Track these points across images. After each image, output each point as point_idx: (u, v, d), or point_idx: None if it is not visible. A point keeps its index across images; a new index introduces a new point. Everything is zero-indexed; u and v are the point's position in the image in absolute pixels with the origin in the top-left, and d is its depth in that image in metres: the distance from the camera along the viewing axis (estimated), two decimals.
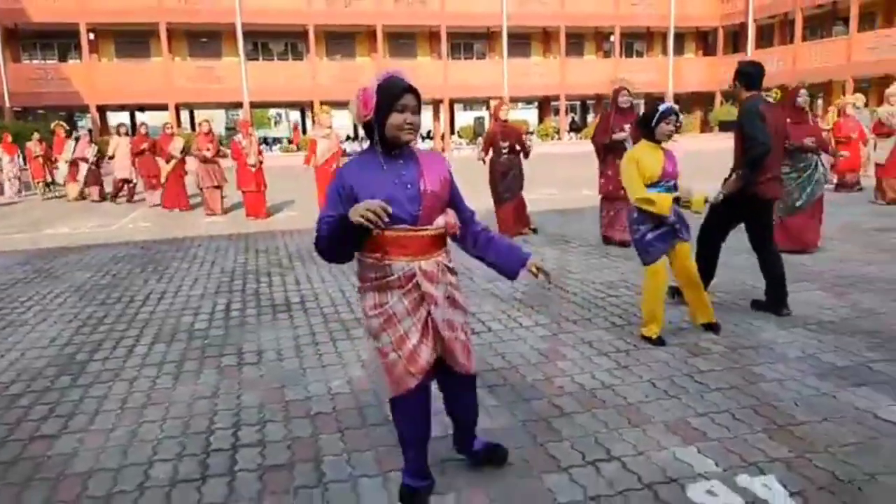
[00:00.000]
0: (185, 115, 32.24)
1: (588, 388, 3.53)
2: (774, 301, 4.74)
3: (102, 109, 28.82)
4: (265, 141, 31.32)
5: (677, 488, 2.54)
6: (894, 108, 9.37)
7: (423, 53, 31.83)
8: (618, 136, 6.90)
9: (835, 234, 7.20)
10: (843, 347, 3.97)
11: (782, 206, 6.60)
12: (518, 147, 7.97)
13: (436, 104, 31.42)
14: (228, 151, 10.98)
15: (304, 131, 37.81)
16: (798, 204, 6.51)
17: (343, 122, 36.39)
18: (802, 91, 6.57)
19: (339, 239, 2.18)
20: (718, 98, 32.66)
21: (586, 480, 2.61)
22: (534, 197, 12.01)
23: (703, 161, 13.42)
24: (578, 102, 38.37)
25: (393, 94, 2.17)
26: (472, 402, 2.61)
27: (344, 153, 10.66)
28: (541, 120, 34.86)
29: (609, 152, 7.18)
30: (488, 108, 33.87)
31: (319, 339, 4.49)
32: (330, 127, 9.73)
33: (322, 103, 28.78)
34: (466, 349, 2.44)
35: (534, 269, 2.51)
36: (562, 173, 17.38)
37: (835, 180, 11.05)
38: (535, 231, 8.38)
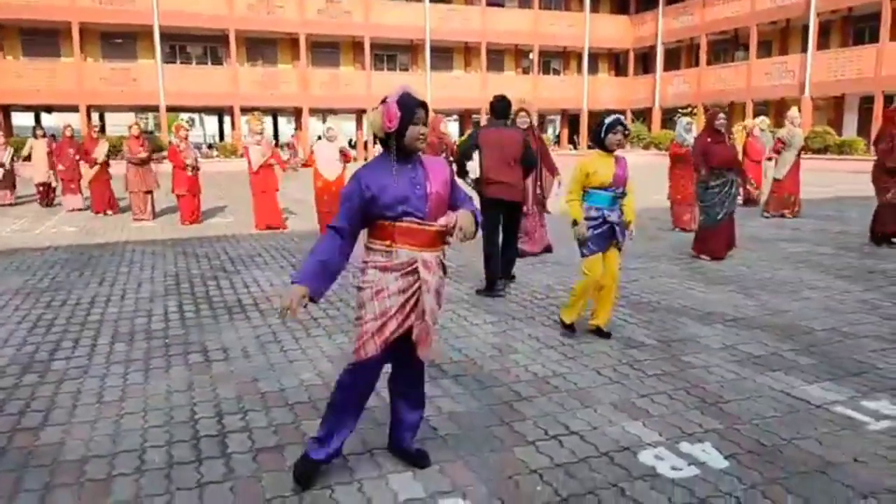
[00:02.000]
0: (95, 118, 30.77)
1: (541, 376, 3.89)
2: (490, 286, 5.87)
3: (6, 109, 27.13)
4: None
5: (630, 454, 2.92)
6: (793, 130, 10.41)
7: (346, 63, 31.89)
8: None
9: (742, 244, 7.96)
10: (757, 340, 4.53)
11: (705, 219, 7.28)
12: (452, 158, 8.33)
13: (359, 113, 31.54)
14: (164, 154, 10.78)
15: (222, 137, 36.95)
16: (719, 217, 7.18)
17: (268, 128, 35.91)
18: (721, 115, 7.25)
19: (309, 261, 2.52)
20: (630, 116, 34.51)
21: (552, 451, 2.95)
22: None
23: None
24: None
25: (412, 108, 2.48)
26: (420, 396, 2.84)
27: (286, 161, 10.72)
28: (462, 132, 35.62)
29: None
30: (428, 111, 34.25)
31: (281, 337, 4.64)
32: (261, 133, 9.74)
33: (242, 109, 28.38)
34: (432, 339, 2.68)
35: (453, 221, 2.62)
36: None
37: (740, 199, 12.07)
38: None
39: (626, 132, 4.41)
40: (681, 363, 4.09)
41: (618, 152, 4.46)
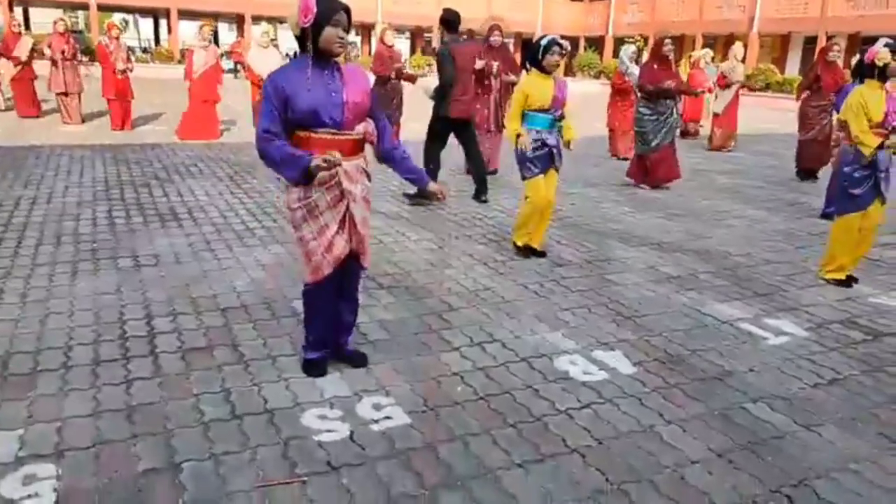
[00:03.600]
0: (18, 12, 28.41)
1: (471, 289, 4.03)
2: (478, 192, 6.33)
3: None
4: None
5: (547, 360, 3.11)
6: (735, 64, 10.58)
7: None
8: (478, 64, 6.96)
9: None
10: (677, 262, 4.77)
11: (641, 145, 7.41)
12: (399, 74, 8.15)
13: None
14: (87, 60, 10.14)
15: (158, 41, 34.83)
16: (653, 144, 7.30)
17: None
18: (668, 41, 7.28)
19: (286, 165, 2.47)
20: (583, 43, 34.19)
21: (475, 356, 3.11)
22: (414, 125, 12.32)
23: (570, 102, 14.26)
24: None
25: (331, 8, 2.40)
26: (356, 302, 2.94)
27: (226, 71, 10.25)
28: (413, 50, 34.64)
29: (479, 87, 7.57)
30: (358, 33, 33.05)
31: (215, 246, 4.61)
32: (208, 41, 9.32)
33: (181, 13, 26.73)
34: (369, 245, 2.77)
35: (434, 189, 2.87)
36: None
37: (678, 129, 12.32)
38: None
39: (564, 52, 4.41)
40: (604, 281, 4.29)
41: (566, 78, 4.47)
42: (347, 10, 2.47)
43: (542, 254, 4.73)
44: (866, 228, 4.27)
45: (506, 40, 7.80)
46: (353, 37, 36.87)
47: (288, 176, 2.52)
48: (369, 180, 2.74)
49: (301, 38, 2.48)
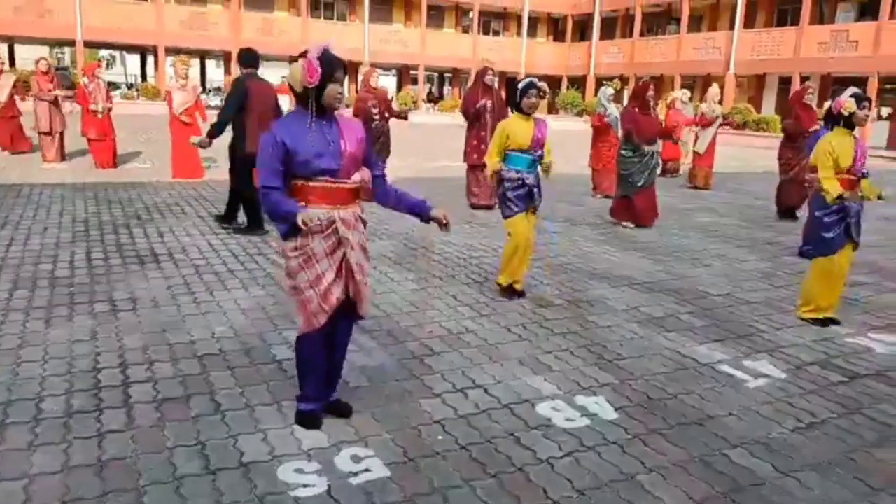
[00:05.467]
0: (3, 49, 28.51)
1: (454, 332, 4.01)
2: (252, 225, 6.30)
3: None
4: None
5: (529, 406, 3.09)
6: (714, 106, 10.84)
7: (280, 7, 30.59)
8: (481, 103, 7.61)
9: (660, 213, 8.28)
10: (658, 302, 4.80)
11: (625, 186, 7.50)
12: (388, 114, 8.26)
13: (293, 61, 30.46)
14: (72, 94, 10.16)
15: (145, 78, 35.00)
16: (639, 184, 7.41)
17: (192, 71, 34.22)
18: (650, 90, 7.46)
19: (280, 221, 2.55)
20: (565, 82, 34.86)
21: (456, 403, 3.08)
22: (398, 164, 12.40)
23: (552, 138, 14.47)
24: (436, 74, 39.06)
25: (333, 66, 2.47)
26: (345, 353, 2.90)
27: (208, 106, 10.30)
28: (399, 88, 35.10)
29: (474, 126, 7.83)
30: (347, 71, 33.47)
31: (195, 289, 4.57)
32: (186, 78, 9.35)
33: (168, 50, 26.95)
34: (368, 293, 2.76)
35: (439, 215, 2.86)
36: (421, 143, 17.83)
37: (659, 169, 12.51)
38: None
39: (542, 94, 4.49)
40: (586, 322, 4.30)
41: (545, 117, 4.56)
42: (345, 66, 2.55)
43: (521, 293, 4.74)
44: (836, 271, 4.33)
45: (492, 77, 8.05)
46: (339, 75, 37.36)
47: (281, 231, 2.58)
48: (365, 227, 2.75)
49: (302, 94, 2.52)
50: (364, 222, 2.73)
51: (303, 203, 2.53)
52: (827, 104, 5.12)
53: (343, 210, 2.57)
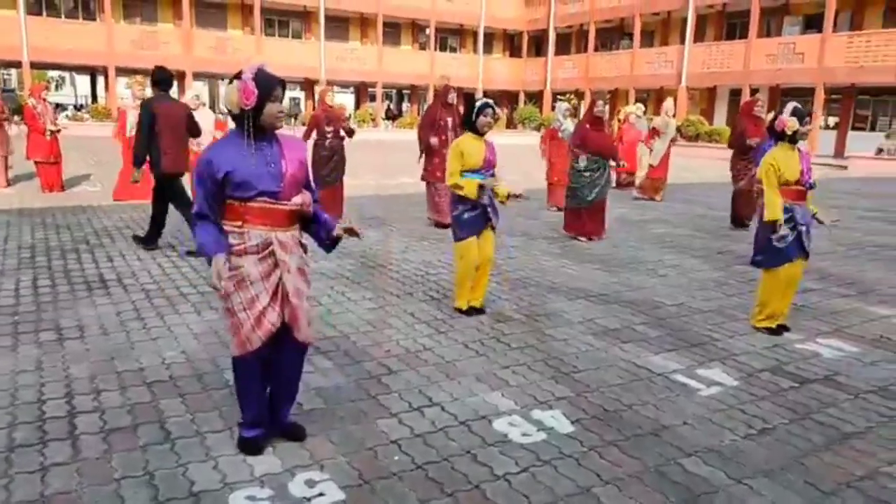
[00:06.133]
0: None
1: (412, 350, 3.99)
2: (150, 237, 6.37)
3: None
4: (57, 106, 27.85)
5: (486, 423, 3.08)
6: (668, 120, 11.13)
7: (233, 25, 30.34)
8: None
9: (612, 225, 8.44)
10: (613, 314, 4.86)
11: (576, 200, 7.61)
12: (342, 133, 8.24)
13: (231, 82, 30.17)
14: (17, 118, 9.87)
15: (95, 98, 34.25)
16: (589, 199, 7.53)
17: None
18: (600, 102, 7.61)
19: (202, 250, 2.54)
20: (522, 98, 35.34)
21: (413, 422, 3.06)
22: (356, 182, 12.37)
23: (508, 154, 14.67)
24: (394, 91, 39.18)
25: (270, 86, 2.43)
26: (298, 375, 2.83)
27: None
28: (357, 106, 35.10)
29: (432, 146, 7.87)
30: (304, 88, 33.33)
31: (144, 314, 4.46)
32: (141, 98, 9.17)
33: (119, 70, 26.42)
34: (308, 318, 2.70)
35: (340, 233, 2.75)
36: (380, 160, 17.86)
37: (613, 181, 12.74)
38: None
39: (496, 115, 4.54)
40: (543, 336, 4.33)
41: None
42: (283, 84, 2.52)
43: (481, 311, 4.75)
44: (786, 280, 4.46)
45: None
46: (297, 93, 37.22)
47: (204, 256, 2.54)
48: (305, 252, 2.72)
49: (238, 116, 2.48)
50: (304, 246, 2.69)
51: (239, 223, 2.50)
52: (770, 115, 5.31)
53: (281, 233, 2.54)
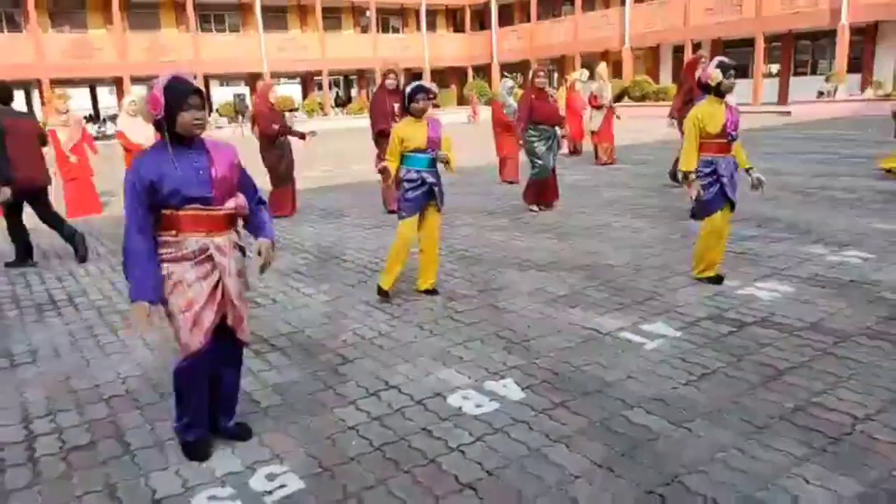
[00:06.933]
0: None
1: (368, 337, 4.07)
2: (76, 251, 6.49)
3: None
4: None
5: (440, 399, 3.19)
6: (603, 84, 11.27)
7: (167, 25, 29.53)
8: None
9: (564, 193, 8.59)
10: (563, 280, 5.00)
11: (538, 171, 7.68)
12: (289, 131, 8.17)
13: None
14: None
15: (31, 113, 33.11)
16: (550, 167, 7.65)
17: (83, 102, 32.62)
18: (540, 73, 7.69)
19: (129, 270, 2.53)
20: (471, 73, 35.27)
21: (370, 407, 3.15)
22: (310, 174, 12.31)
23: (460, 130, 14.67)
24: (342, 77, 38.73)
25: (182, 95, 2.45)
26: (238, 377, 2.90)
27: (96, 137, 9.88)
28: (305, 96, 34.64)
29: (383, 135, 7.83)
30: (248, 84, 32.74)
31: (98, 331, 4.44)
32: (66, 112, 8.93)
33: (53, 82, 25.58)
34: (246, 317, 2.75)
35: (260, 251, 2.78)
36: (332, 148, 17.74)
37: (565, 148, 12.87)
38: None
39: (431, 97, 4.59)
40: (496, 309, 4.45)
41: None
42: (199, 92, 2.52)
43: (434, 292, 4.84)
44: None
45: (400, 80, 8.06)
46: (240, 89, 36.51)
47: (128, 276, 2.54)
48: (244, 254, 2.76)
49: (158, 125, 2.50)
50: (242, 249, 2.74)
51: (173, 232, 2.53)
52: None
53: (218, 237, 2.59)
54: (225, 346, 2.72)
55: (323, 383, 3.45)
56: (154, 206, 2.50)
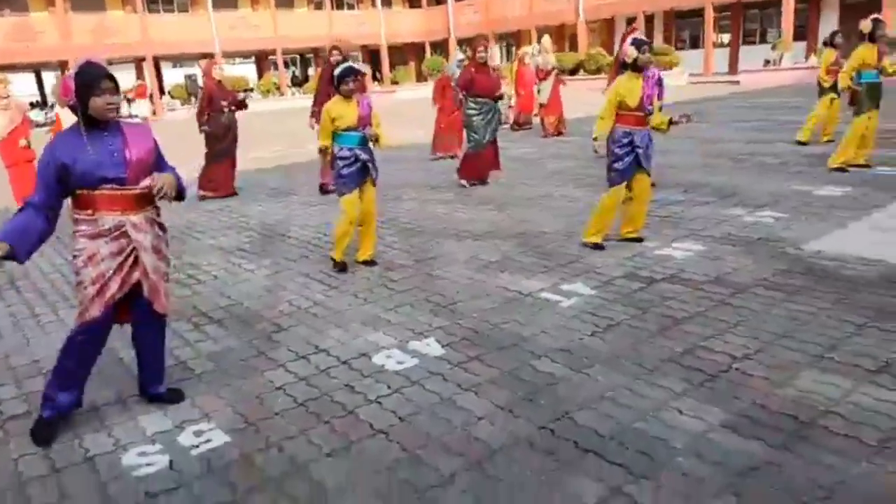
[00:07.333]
0: None
1: (304, 307, 4.26)
2: None
3: None
4: None
5: (366, 359, 3.41)
6: (547, 56, 11.48)
7: (113, 6, 28.68)
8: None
9: (507, 165, 8.81)
10: (497, 248, 5.24)
11: (473, 144, 7.88)
12: (234, 107, 8.22)
13: (138, 62, 28.90)
14: None
15: None
16: (485, 140, 7.84)
17: (27, 87, 31.67)
18: (481, 48, 7.85)
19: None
20: (428, 48, 35.12)
21: (298, 369, 3.35)
22: (261, 155, 12.32)
23: (416, 107, 14.64)
24: (298, 56, 38.21)
25: (94, 80, 2.57)
26: (161, 347, 3.05)
27: (43, 123, 9.74)
28: (260, 76, 34.15)
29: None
30: (199, 65, 32.11)
31: (39, 311, 4.54)
32: (7, 97, 8.78)
33: None
34: (165, 293, 2.90)
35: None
36: (287, 128, 17.67)
37: (511, 120, 13.10)
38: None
39: (360, 77, 4.73)
40: (429, 277, 4.67)
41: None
42: (111, 77, 2.63)
43: (373, 262, 5.03)
44: (637, 195, 4.95)
45: (352, 55, 8.11)
46: (193, 69, 35.74)
47: None
48: (163, 231, 2.91)
49: (73, 109, 2.62)
50: (161, 226, 2.88)
51: (90, 211, 2.67)
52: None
53: (134, 215, 2.73)
54: (146, 318, 2.88)
55: (256, 350, 3.63)
56: (70, 187, 2.63)
